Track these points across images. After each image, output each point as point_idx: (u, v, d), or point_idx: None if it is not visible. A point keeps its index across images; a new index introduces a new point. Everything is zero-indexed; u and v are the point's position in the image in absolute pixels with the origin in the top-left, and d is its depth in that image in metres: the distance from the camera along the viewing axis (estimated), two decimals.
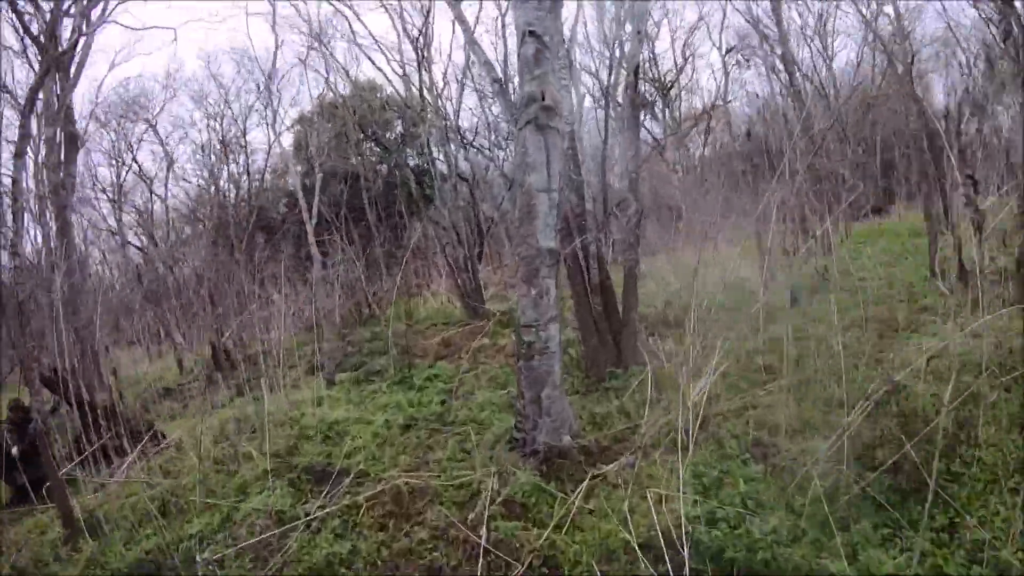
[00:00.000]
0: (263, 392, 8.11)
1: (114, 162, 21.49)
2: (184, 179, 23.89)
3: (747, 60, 12.36)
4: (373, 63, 15.70)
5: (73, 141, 9.58)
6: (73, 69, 9.43)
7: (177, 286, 16.46)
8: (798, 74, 12.46)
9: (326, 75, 15.81)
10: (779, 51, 12.77)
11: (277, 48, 10.88)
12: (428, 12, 12.73)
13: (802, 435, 5.06)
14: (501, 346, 9.26)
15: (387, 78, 19.60)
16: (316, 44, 13.74)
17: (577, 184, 6.39)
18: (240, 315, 13.09)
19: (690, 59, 20.09)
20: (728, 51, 13.80)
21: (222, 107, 22.34)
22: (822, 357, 6.77)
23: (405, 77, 13.29)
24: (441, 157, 13.53)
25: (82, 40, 9.28)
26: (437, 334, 11.18)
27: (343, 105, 18.71)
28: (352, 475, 5.26)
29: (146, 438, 7.11)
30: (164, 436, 7.67)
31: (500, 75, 6.69)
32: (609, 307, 6.68)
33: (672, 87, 19.32)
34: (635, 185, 6.31)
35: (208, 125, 22.85)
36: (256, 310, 13.27)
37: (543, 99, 4.18)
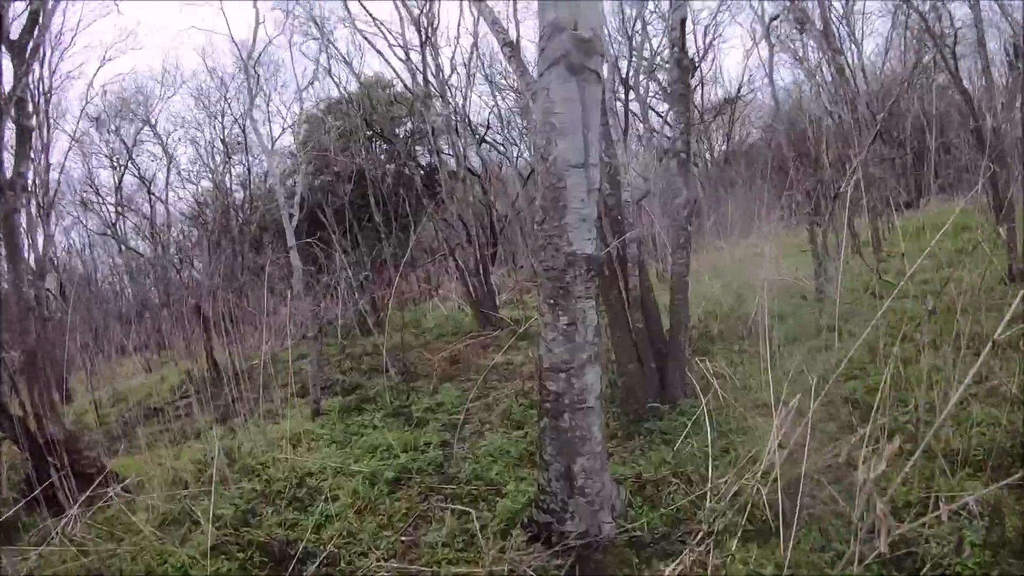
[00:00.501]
0: (237, 426, 6.68)
1: (113, 163, 20.18)
2: (190, 180, 22.54)
3: (801, 25, 10.69)
4: (373, 47, 13.87)
5: (26, 136, 8.12)
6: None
7: (167, 294, 15.10)
8: (833, 57, 10.84)
9: (327, 66, 14.33)
10: (819, 27, 11.15)
11: (257, 25, 9.36)
12: None
13: (928, 509, 3.53)
14: (516, 365, 7.75)
15: (390, 64, 18.18)
16: (310, 26, 12.31)
17: (611, 169, 4.87)
18: (239, 324, 11.76)
19: (715, 43, 18.46)
20: (773, 19, 12.18)
21: (222, 104, 20.92)
22: (917, 387, 5.23)
23: (408, 63, 11.80)
24: (450, 151, 12.01)
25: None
26: (445, 346, 9.70)
27: (347, 101, 17.28)
28: (319, 560, 3.81)
29: (95, 483, 5.70)
30: (118, 479, 6.23)
31: (512, 38, 5.17)
32: (652, 326, 5.16)
33: (694, 74, 17.68)
34: (686, 168, 4.76)
35: (211, 124, 21.50)
36: (257, 318, 11.92)
37: (575, 29, 2.67)
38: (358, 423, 6.51)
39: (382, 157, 20.38)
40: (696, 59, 17.87)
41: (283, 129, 19.70)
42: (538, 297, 3.01)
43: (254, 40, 9.83)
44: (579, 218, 2.77)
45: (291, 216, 7.85)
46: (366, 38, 12.07)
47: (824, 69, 14.76)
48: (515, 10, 11.42)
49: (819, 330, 7.31)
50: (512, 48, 5.32)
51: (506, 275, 14.89)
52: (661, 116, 18.39)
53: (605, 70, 3.18)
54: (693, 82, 18.62)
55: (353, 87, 17.09)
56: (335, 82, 16.35)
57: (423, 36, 11.39)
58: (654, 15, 16.45)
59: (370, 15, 13.19)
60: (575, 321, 2.86)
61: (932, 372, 5.50)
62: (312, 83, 13.30)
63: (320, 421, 6.86)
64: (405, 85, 12.45)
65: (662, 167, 16.63)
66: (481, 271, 10.24)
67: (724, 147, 21.21)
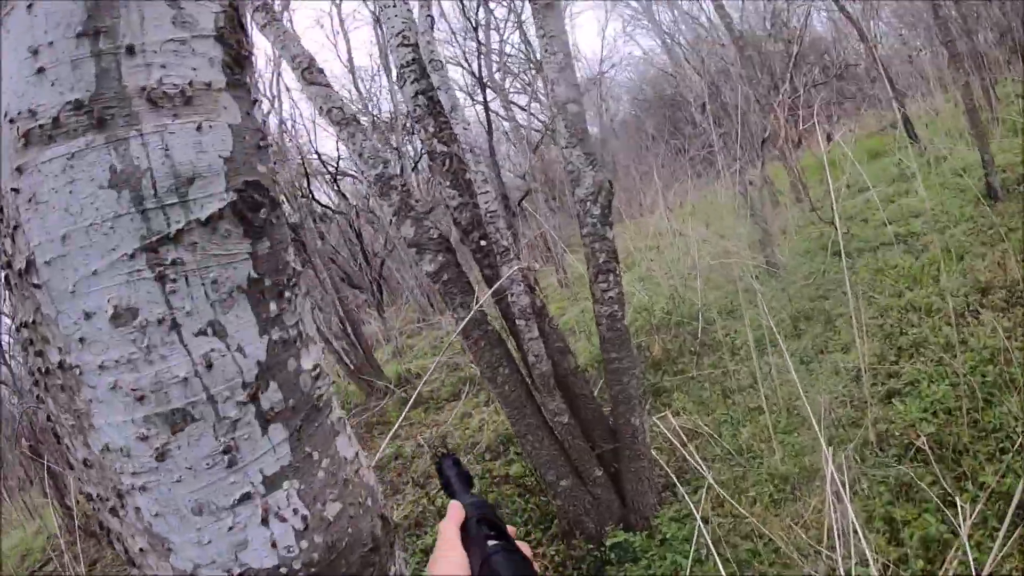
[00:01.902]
0: None
1: None
2: None
3: None
4: None
5: None
6: None
7: None
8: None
9: None
10: None
11: None
12: None
13: None
14: (405, 458, 5.38)
15: None
16: None
17: (452, 163, 2.61)
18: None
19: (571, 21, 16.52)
20: None
21: None
22: (1008, 392, 3.17)
23: None
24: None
25: None
26: None
27: None
28: None
29: None
30: None
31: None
32: (583, 411, 2.89)
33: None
34: (583, 130, 2.51)
35: None
36: None
37: None
38: None
39: None
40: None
41: None
42: None
43: None
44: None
45: None
46: None
47: (683, 27, 13.11)
48: None
49: (794, 320, 5.27)
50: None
51: (396, 311, 12.47)
52: (524, 109, 16.33)
53: None
54: None
55: None
56: None
57: None
58: None
59: None
60: None
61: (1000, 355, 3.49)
62: None
63: None
64: None
65: (538, 159, 14.48)
66: (350, 332, 7.78)
67: (595, 129, 19.37)
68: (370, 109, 13.09)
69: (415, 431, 6.11)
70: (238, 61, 0.54)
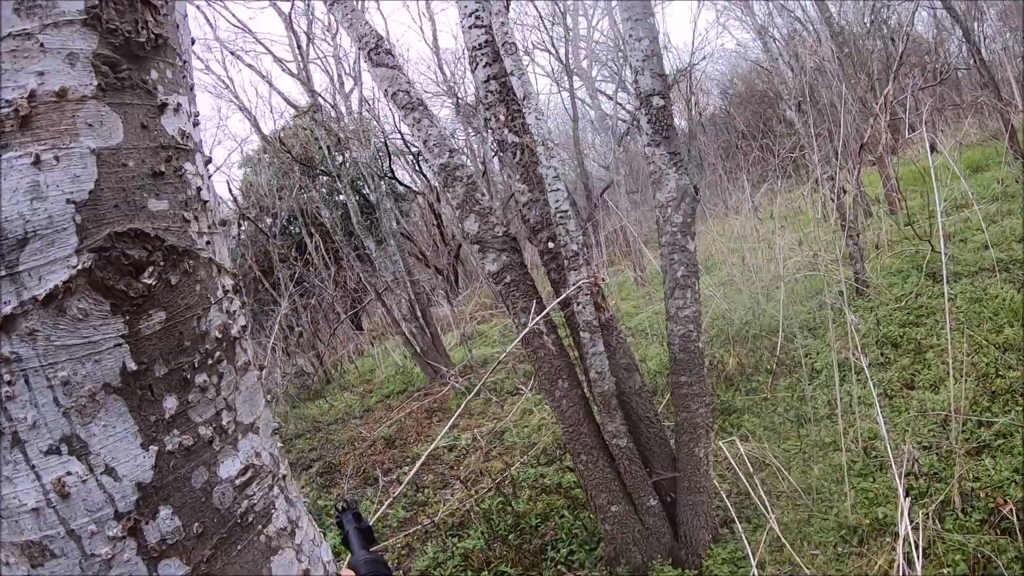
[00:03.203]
0: None
1: None
2: None
3: None
4: (253, 69, 10.67)
5: None
6: None
7: None
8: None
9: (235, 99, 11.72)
10: None
11: None
12: None
13: None
14: (460, 448, 5.31)
15: (272, 86, 15.64)
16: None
17: (523, 153, 2.46)
18: None
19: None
20: None
21: None
22: None
23: (303, 80, 9.25)
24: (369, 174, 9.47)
25: None
26: (388, 413, 7.23)
27: (274, 137, 14.70)
28: None
29: None
30: None
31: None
32: (644, 436, 2.70)
33: None
34: (669, 126, 2.31)
35: None
36: None
37: None
38: None
39: (323, 191, 17.96)
40: None
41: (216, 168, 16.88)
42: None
43: None
44: None
45: None
46: (239, 57, 9.52)
47: (779, 20, 12.44)
48: None
49: (880, 346, 4.88)
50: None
51: (467, 300, 12.42)
52: (611, 98, 15.97)
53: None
54: None
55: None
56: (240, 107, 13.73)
57: (301, 42, 8.85)
58: None
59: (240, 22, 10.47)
60: None
61: None
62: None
63: None
64: (291, 103, 10.00)
65: (623, 150, 14.14)
66: (419, 315, 7.75)
67: (682, 123, 18.78)
68: (456, 92, 13.03)
69: (474, 423, 6.02)
70: (130, 52, 0.38)
